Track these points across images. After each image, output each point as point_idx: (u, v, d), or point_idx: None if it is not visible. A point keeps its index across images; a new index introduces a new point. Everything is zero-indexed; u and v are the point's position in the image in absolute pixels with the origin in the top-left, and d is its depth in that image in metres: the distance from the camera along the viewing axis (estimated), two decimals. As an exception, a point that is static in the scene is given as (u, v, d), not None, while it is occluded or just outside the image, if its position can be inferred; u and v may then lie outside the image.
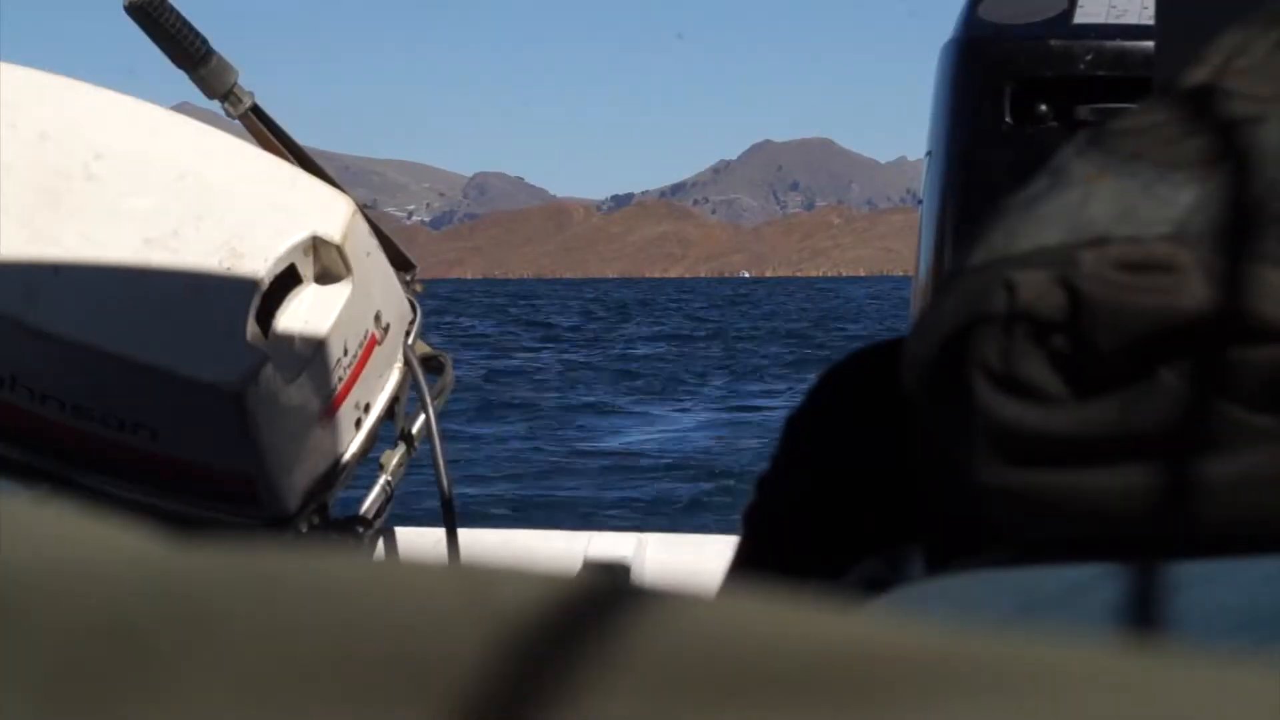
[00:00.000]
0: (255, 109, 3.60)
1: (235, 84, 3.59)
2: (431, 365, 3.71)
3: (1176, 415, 0.82)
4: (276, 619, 0.34)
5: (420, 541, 3.78)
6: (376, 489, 3.59)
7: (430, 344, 3.74)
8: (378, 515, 3.58)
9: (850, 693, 0.33)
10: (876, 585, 0.98)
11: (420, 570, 0.36)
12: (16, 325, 3.09)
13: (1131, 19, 2.82)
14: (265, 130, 3.60)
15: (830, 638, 0.34)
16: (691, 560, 3.82)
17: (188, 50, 3.54)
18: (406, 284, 3.72)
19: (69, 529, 0.38)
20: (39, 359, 3.13)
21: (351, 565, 0.36)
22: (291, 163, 3.49)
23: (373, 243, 3.47)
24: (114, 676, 0.34)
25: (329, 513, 3.45)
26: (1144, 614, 0.82)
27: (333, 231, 3.30)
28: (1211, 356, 0.82)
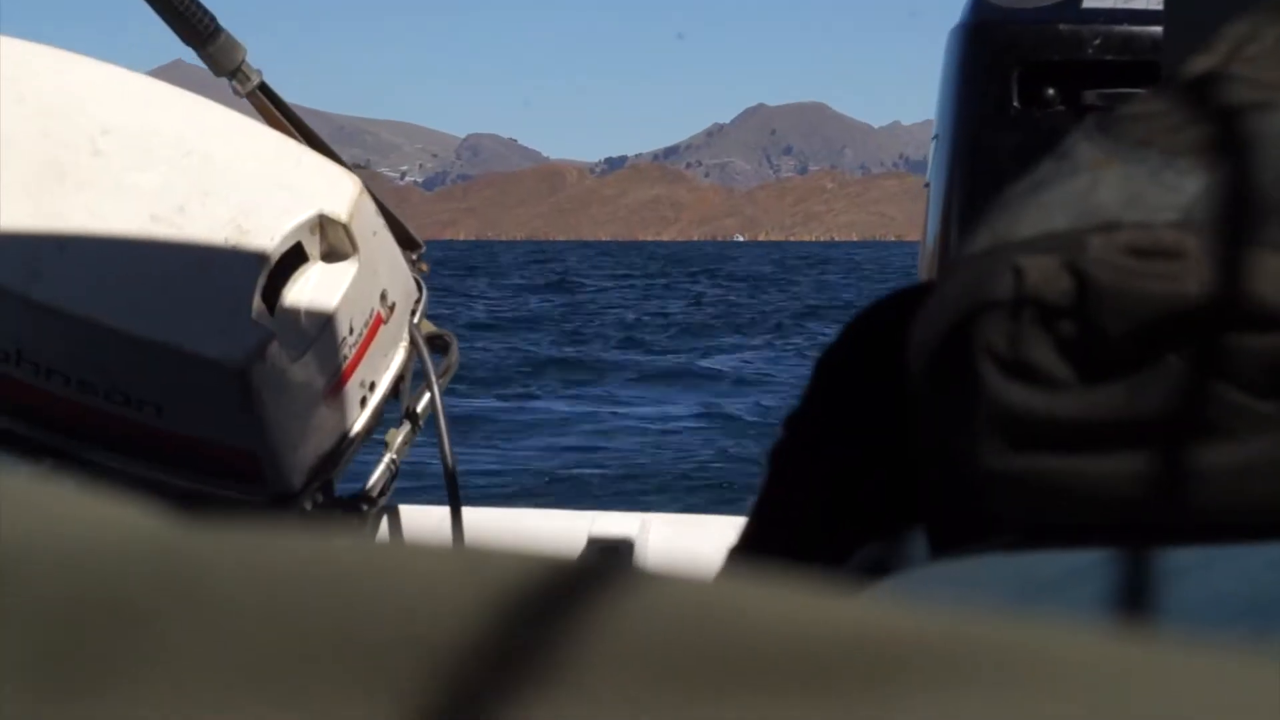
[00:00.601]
0: (263, 86, 3.60)
1: (243, 61, 3.59)
2: (437, 344, 3.71)
3: (1181, 401, 0.82)
4: (277, 599, 0.34)
5: (424, 519, 3.79)
6: (381, 467, 3.59)
7: (435, 323, 3.75)
8: (382, 493, 3.58)
9: (851, 678, 0.33)
10: (879, 569, 0.98)
11: (420, 551, 0.36)
12: (21, 300, 3.09)
13: (1140, 4, 2.82)
14: (272, 108, 3.60)
15: (831, 622, 0.34)
16: (695, 540, 3.82)
17: (196, 27, 3.54)
18: (412, 263, 3.72)
19: (68, 505, 0.38)
20: (44, 334, 3.13)
21: (352, 546, 0.36)
22: (298, 140, 3.49)
23: (379, 221, 3.47)
24: (112, 654, 0.34)
25: (333, 490, 3.46)
26: (1146, 600, 0.82)
27: (339, 210, 3.30)
28: (1217, 343, 0.82)
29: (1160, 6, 1.89)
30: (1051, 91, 2.83)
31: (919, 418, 0.92)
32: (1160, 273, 0.82)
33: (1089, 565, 0.83)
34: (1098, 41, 2.82)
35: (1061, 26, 2.84)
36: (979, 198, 2.80)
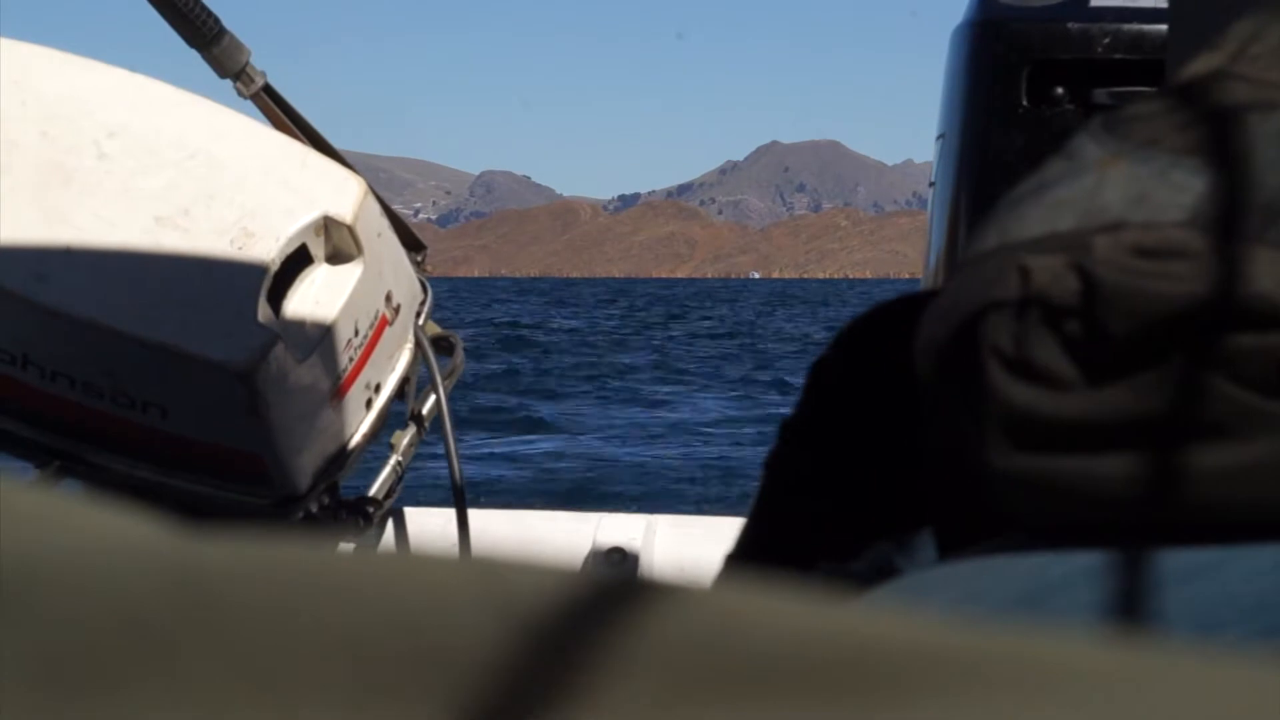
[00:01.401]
0: (267, 88, 3.59)
1: (247, 63, 3.59)
2: (442, 346, 3.71)
3: (1188, 401, 0.81)
4: (288, 612, 0.34)
5: (430, 522, 3.78)
6: (387, 469, 3.59)
7: (440, 325, 3.74)
8: (388, 495, 3.58)
9: (858, 685, 0.33)
10: (887, 571, 0.98)
11: (432, 563, 0.36)
12: (27, 304, 3.10)
13: (1148, 2, 2.81)
14: (277, 110, 3.60)
15: (837, 631, 0.34)
16: (701, 542, 3.82)
17: (200, 29, 3.54)
18: (417, 264, 3.72)
19: (79, 517, 0.38)
20: (50, 337, 3.13)
21: (363, 557, 0.36)
22: (303, 142, 3.49)
23: (384, 223, 3.47)
24: (123, 667, 0.33)
25: (339, 493, 3.45)
26: (1153, 601, 0.82)
27: (344, 212, 3.30)
28: (1223, 342, 0.81)
29: (1168, 4, 1.89)
30: (1060, 90, 2.83)
31: (925, 418, 0.92)
32: (1166, 273, 0.82)
33: (1096, 566, 0.83)
34: (1107, 40, 2.81)
35: (1070, 25, 2.83)
36: (986, 197, 2.80)
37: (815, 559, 1.03)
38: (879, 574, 0.98)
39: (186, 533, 0.37)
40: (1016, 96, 2.84)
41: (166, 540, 0.37)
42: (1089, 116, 0.93)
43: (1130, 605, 0.82)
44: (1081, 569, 0.83)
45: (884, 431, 1.07)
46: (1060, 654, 0.34)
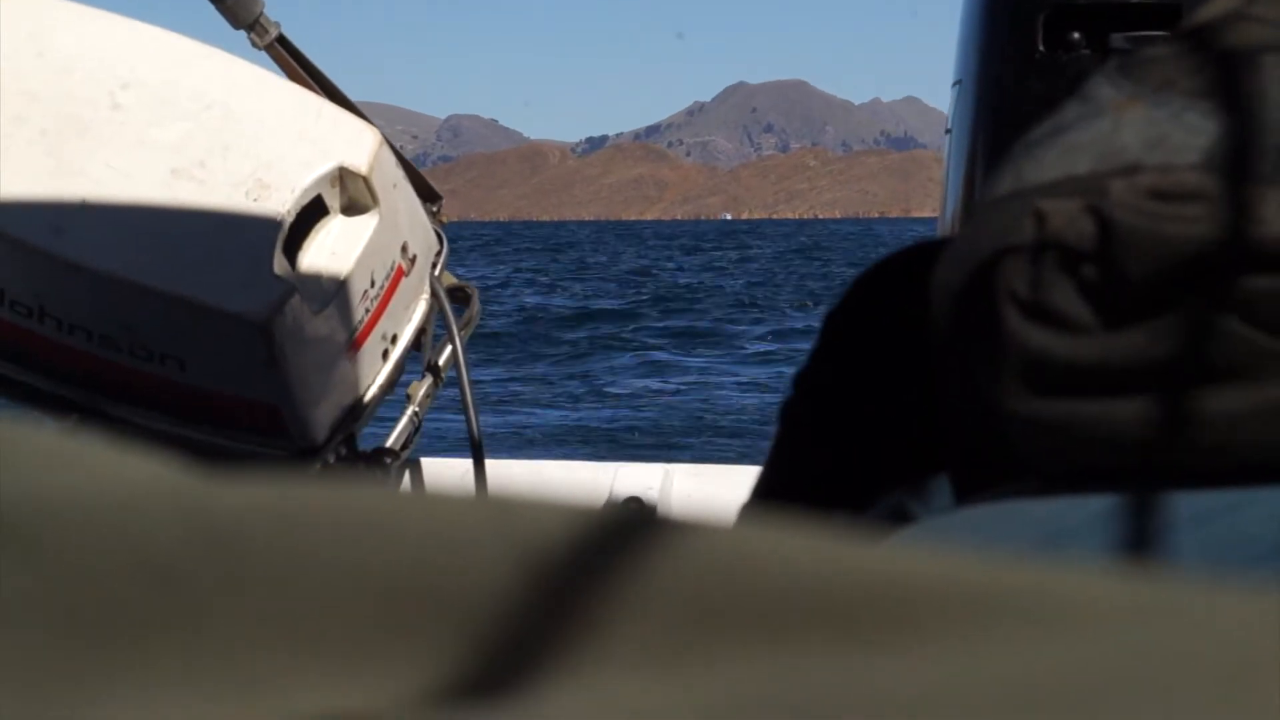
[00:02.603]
0: (281, 39, 3.59)
1: (261, 14, 3.58)
2: (458, 296, 3.71)
3: (1203, 344, 0.81)
4: (307, 553, 0.34)
5: (448, 472, 3.79)
6: (404, 420, 3.59)
7: (457, 275, 3.74)
8: (405, 446, 3.58)
9: (876, 622, 0.33)
10: (903, 516, 0.98)
11: (447, 502, 0.36)
12: (44, 256, 3.10)
13: (1164, -55, 2.79)
14: (291, 61, 3.59)
15: (855, 568, 0.34)
16: (718, 490, 3.83)
17: (214, -20, 3.53)
18: (433, 215, 3.71)
19: (101, 462, 0.38)
20: (66, 290, 3.14)
21: (380, 497, 0.36)
22: (318, 94, 3.48)
23: (399, 174, 3.46)
24: (143, 610, 0.34)
25: (357, 443, 3.46)
26: (1169, 544, 0.82)
27: (359, 163, 3.29)
28: (1238, 285, 0.81)
29: None
30: (1077, 35, 2.81)
31: (941, 363, 0.92)
32: (1181, 216, 0.82)
33: (1112, 510, 0.83)
34: None
35: None
36: (1003, 143, 2.78)
37: (831, 506, 1.03)
38: (895, 520, 0.98)
39: (205, 477, 0.37)
40: (1032, 41, 2.82)
41: (186, 483, 0.37)
42: (1106, 61, 0.93)
43: (1147, 547, 0.82)
44: (1098, 513, 0.83)
45: (898, 379, 1.07)
46: (1080, 590, 0.34)
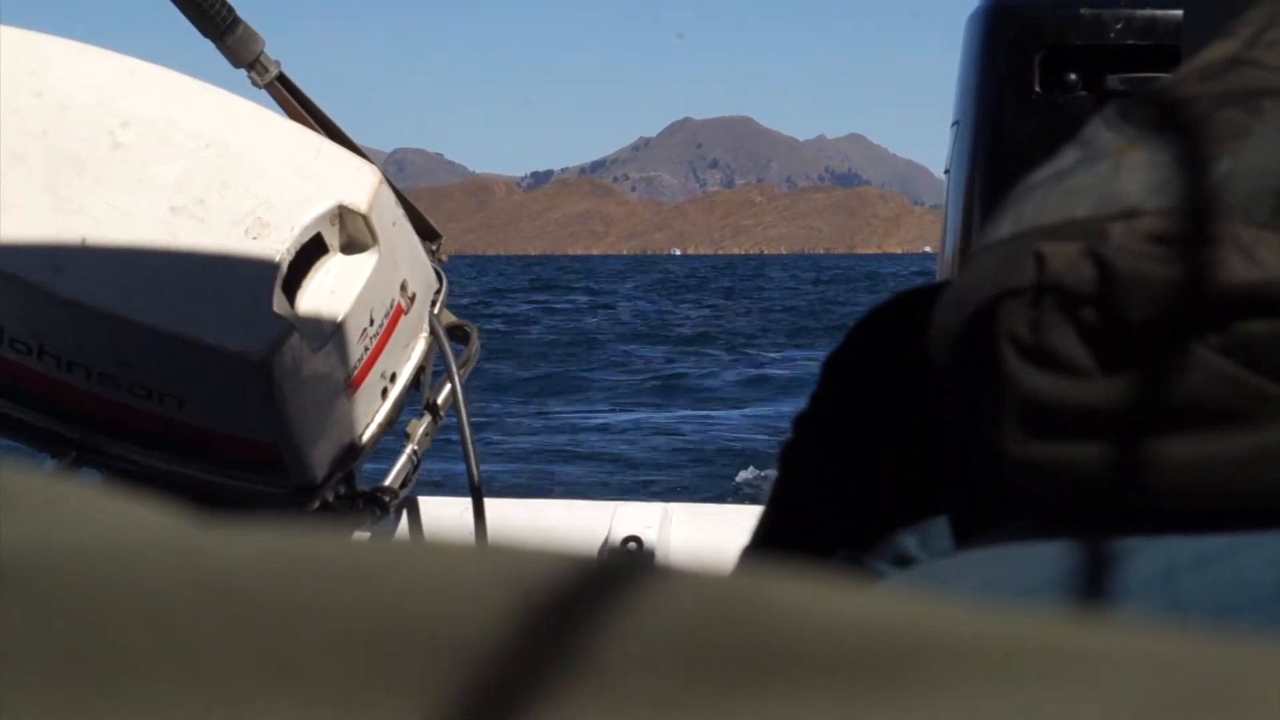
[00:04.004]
0: (281, 77, 3.59)
1: (262, 52, 3.59)
2: (457, 335, 3.71)
3: (1206, 388, 0.81)
4: (303, 600, 0.34)
5: (446, 511, 3.78)
6: (403, 459, 3.59)
7: (455, 314, 3.74)
8: (404, 485, 3.58)
9: (874, 671, 0.33)
10: (903, 560, 0.98)
11: (445, 550, 0.36)
12: (43, 293, 3.10)
13: (1161, -13, 2.80)
14: (291, 99, 3.60)
15: (854, 616, 0.34)
16: (716, 531, 3.82)
17: (214, 19, 3.54)
18: (432, 253, 3.72)
19: (96, 508, 0.38)
20: (66, 327, 3.14)
21: (377, 546, 0.36)
22: (317, 132, 3.49)
23: (398, 212, 3.47)
24: (139, 657, 0.33)
25: (355, 482, 3.46)
26: (1169, 588, 0.82)
27: (359, 200, 3.30)
28: (1238, 329, 0.81)
29: None
30: (1074, 76, 2.82)
31: (940, 405, 0.92)
32: (1183, 259, 0.82)
33: (1111, 553, 0.83)
34: (1120, 25, 2.80)
35: (1083, 10, 2.83)
36: (1001, 184, 2.79)
37: (832, 549, 1.03)
38: (895, 562, 0.98)
39: (202, 523, 0.37)
40: (1030, 82, 2.83)
41: (182, 530, 0.37)
42: (1102, 102, 0.93)
43: (1146, 591, 0.82)
44: (1100, 557, 0.83)
45: (897, 422, 1.07)
46: (1079, 640, 0.34)
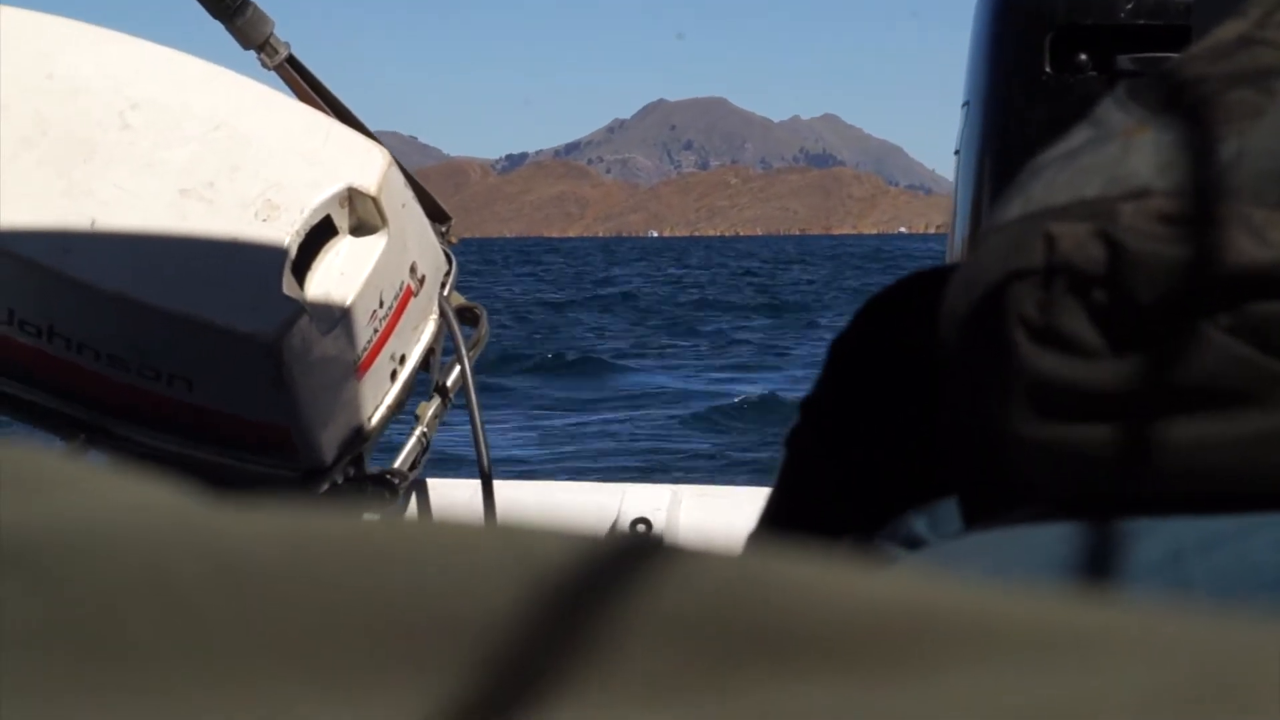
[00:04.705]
0: (291, 59, 3.59)
1: (271, 34, 3.59)
2: (466, 317, 3.71)
3: (1216, 369, 0.81)
4: (314, 580, 0.34)
5: (455, 493, 3.79)
6: (412, 440, 3.59)
7: (465, 296, 3.75)
8: (413, 467, 3.58)
9: (883, 652, 0.33)
10: (911, 543, 0.98)
11: (456, 530, 0.36)
12: (53, 276, 3.10)
13: (1172, -33, 2.79)
14: (301, 81, 3.60)
15: (862, 597, 0.34)
16: (726, 513, 3.82)
17: (223, 0, 3.54)
18: (442, 235, 3.72)
19: (109, 487, 0.38)
20: (76, 309, 3.14)
21: (388, 524, 0.36)
22: (327, 114, 3.49)
23: (408, 194, 3.47)
24: (150, 636, 0.34)
25: (365, 464, 3.46)
26: (1176, 570, 0.82)
27: (368, 183, 3.30)
28: (1249, 310, 0.81)
29: None
30: (1084, 57, 2.81)
31: (950, 387, 0.92)
32: (1192, 240, 0.82)
33: (1120, 535, 0.83)
34: (1130, 5, 2.80)
35: None
36: (1011, 165, 2.79)
37: (839, 531, 1.03)
38: (904, 544, 0.98)
39: (213, 502, 0.37)
40: (1040, 63, 2.82)
41: (193, 510, 0.37)
42: (1113, 83, 0.93)
43: (1154, 573, 0.82)
44: (1105, 537, 0.83)
45: (906, 404, 1.07)
46: (1087, 619, 0.34)
